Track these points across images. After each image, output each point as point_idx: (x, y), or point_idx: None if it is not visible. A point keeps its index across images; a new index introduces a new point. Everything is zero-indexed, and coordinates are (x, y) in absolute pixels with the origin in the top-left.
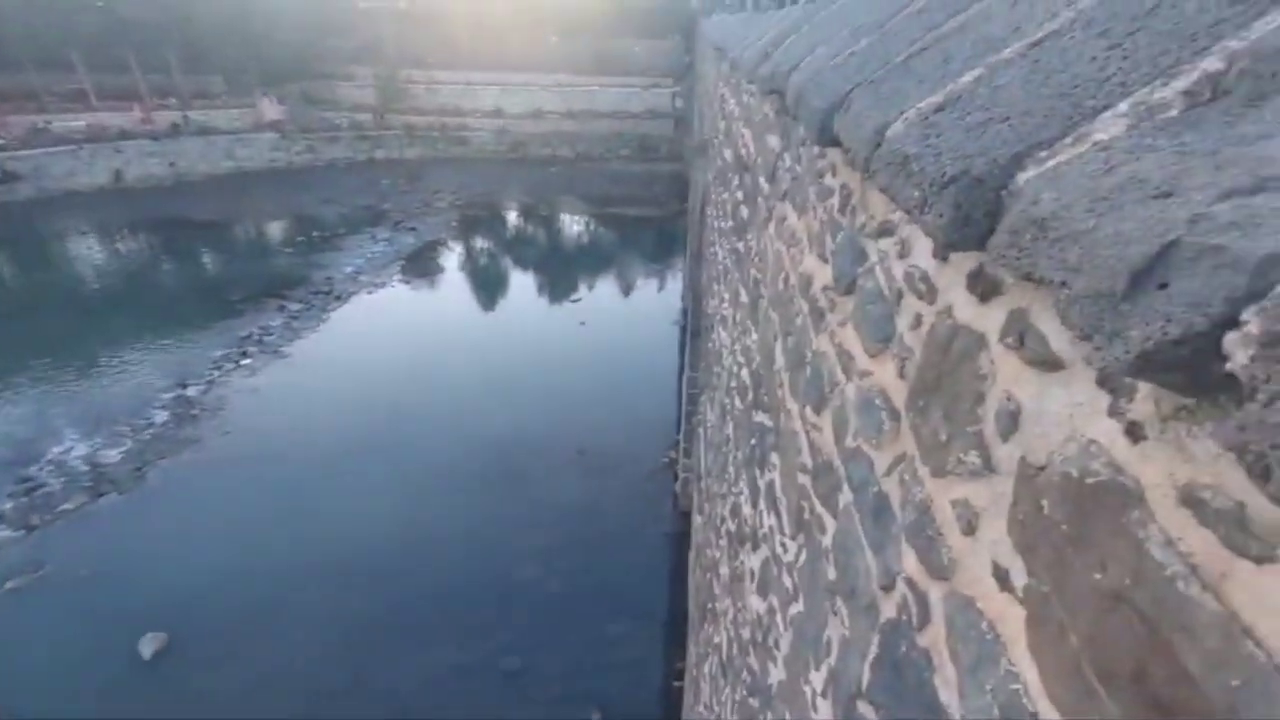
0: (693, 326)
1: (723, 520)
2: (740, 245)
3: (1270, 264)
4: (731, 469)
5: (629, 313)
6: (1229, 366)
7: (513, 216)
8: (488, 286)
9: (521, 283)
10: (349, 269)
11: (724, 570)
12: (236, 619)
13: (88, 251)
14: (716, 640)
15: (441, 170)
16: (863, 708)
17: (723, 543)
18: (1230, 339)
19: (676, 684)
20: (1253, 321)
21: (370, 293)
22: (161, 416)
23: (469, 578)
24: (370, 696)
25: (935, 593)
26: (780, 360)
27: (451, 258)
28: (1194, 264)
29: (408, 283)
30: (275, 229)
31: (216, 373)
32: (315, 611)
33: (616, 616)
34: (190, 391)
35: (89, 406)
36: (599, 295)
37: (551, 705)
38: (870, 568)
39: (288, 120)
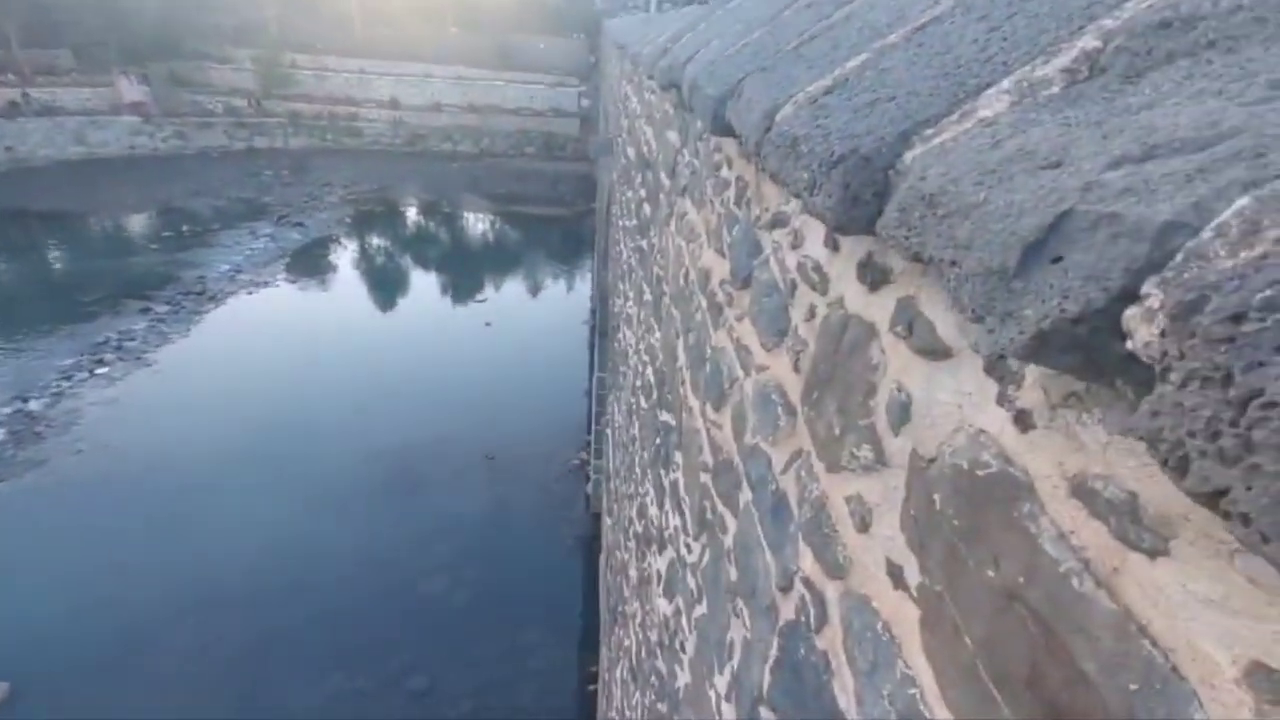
0: (601, 326)
1: (630, 522)
2: (643, 243)
3: (1170, 231)
4: (638, 469)
5: (537, 313)
6: (1129, 346)
7: (412, 213)
8: (385, 286)
9: (423, 283)
10: (225, 267)
11: (632, 572)
12: (94, 661)
13: None
14: (627, 644)
15: (331, 162)
16: (764, 713)
17: (631, 544)
18: (1130, 314)
19: (591, 688)
20: (1154, 294)
21: (251, 293)
22: None
23: (368, 596)
24: None
25: (831, 592)
26: (682, 358)
27: (344, 255)
28: (1090, 234)
29: (294, 282)
30: (137, 223)
31: (65, 384)
32: (189, 645)
33: (528, 625)
34: (33, 405)
35: None
36: (505, 296)
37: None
38: (769, 567)
39: (151, 103)
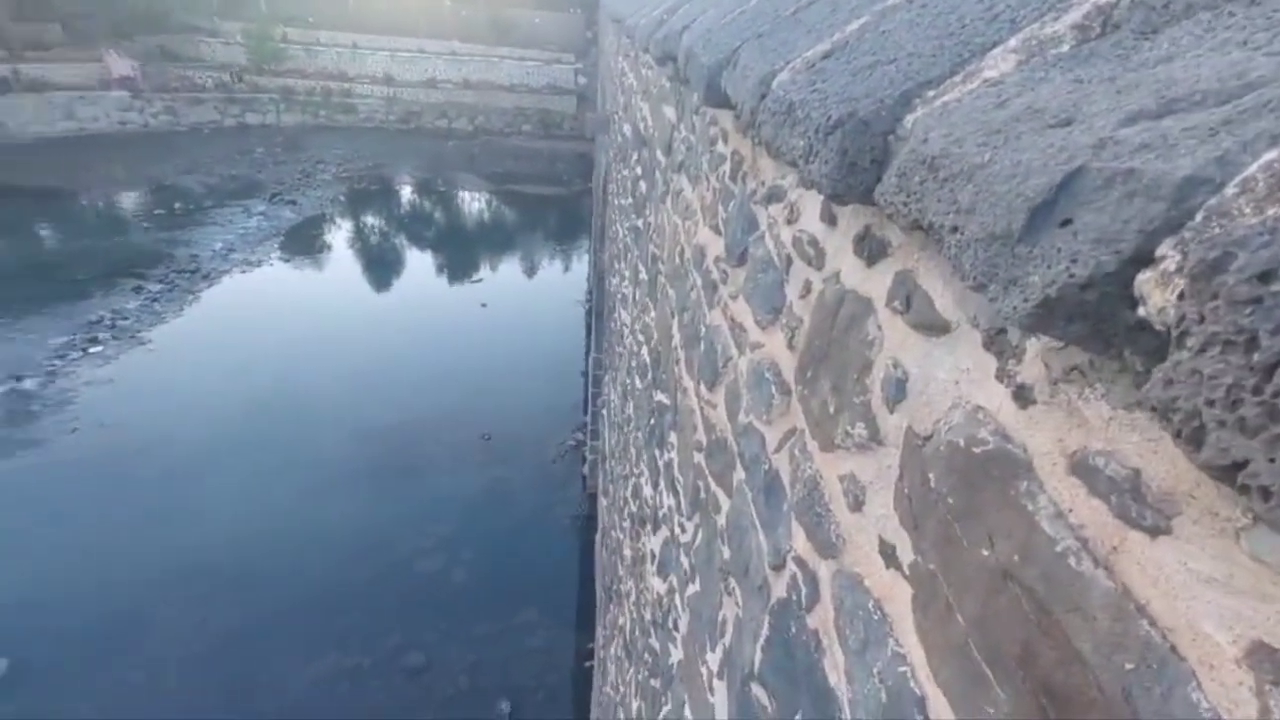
0: (597, 307)
1: (625, 502)
2: (639, 222)
3: (1191, 186)
4: (633, 450)
5: (533, 294)
6: (1141, 312)
7: (407, 192)
8: (381, 266)
9: (418, 263)
10: (219, 245)
11: (627, 552)
12: (90, 637)
13: None
14: (621, 622)
15: (325, 139)
16: (756, 690)
17: (626, 524)
18: (1143, 279)
19: (588, 664)
20: (1171, 256)
21: (245, 272)
22: None
23: (364, 575)
24: (252, 710)
25: (824, 571)
26: (677, 337)
27: (338, 234)
28: (1102, 193)
29: (288, 261)
30: (129, 200)
31: (59, 362)
32: (184, 624)
33: (524, 604)
34: (27, 384)
35: None
36: (501, 276)
37: (460, 699)
38: (762, 546)
39: (141, 78)
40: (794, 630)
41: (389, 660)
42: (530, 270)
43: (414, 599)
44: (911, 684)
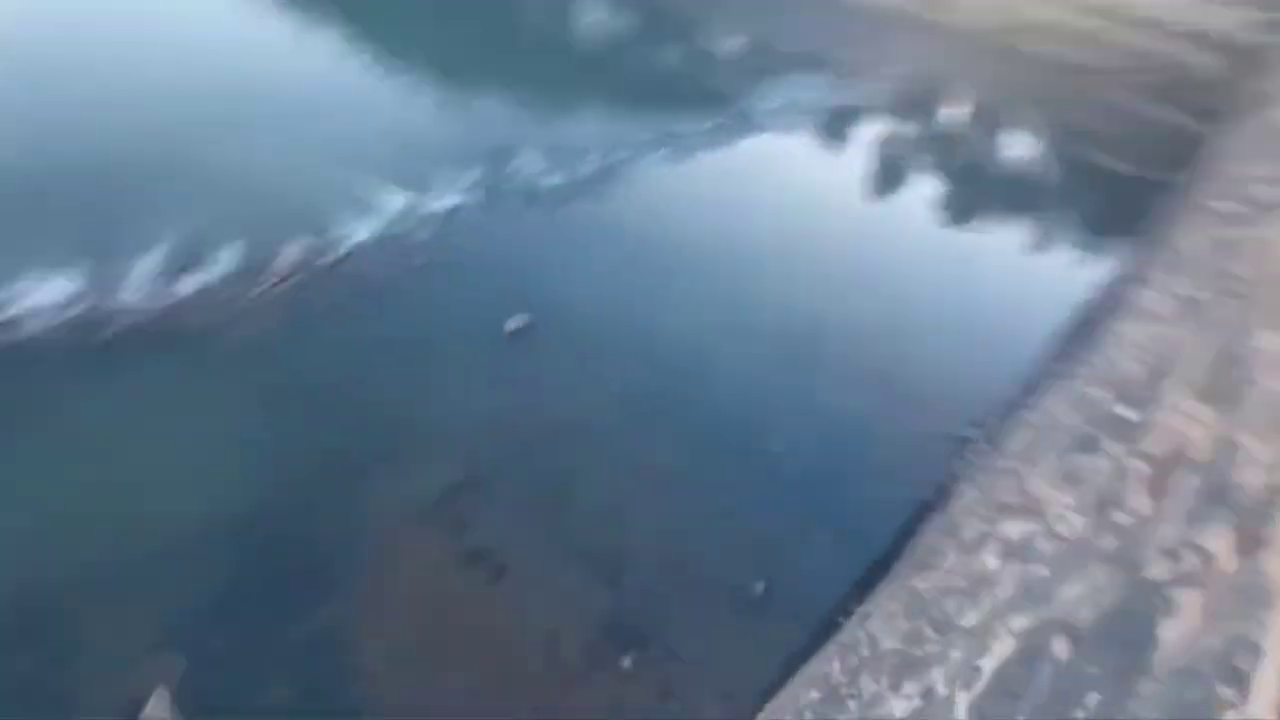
0: (1088, 311)
1: (997, 492)
2: (1234, 233)
3: None
4: (1044, 450)
5: (1019, 273)
6: None
7: (957, 112)
8: (885, 177)
9: (917, 189)
10: (770, 105)
11: (968, 534)
12: (570, 335)
13: (585, 12)
14: (918, 586)
15: (907, 37)
16: (1055, 639)
17: (985, 511)
18: None
19: (840, 619)
20: None
21: (779, 134)
22: (591, 168)
23: (733, 435)
24: (633, 469)
25: (1229, 563)
26: (1193, 356)
27: (866, 130)
28: None
29: (814, 136)
30: (734, 45)
31: (638, 150)
32: (634, 363)
33: (830, 527)
34: (611, 159)
35: (544, 139)
36: (999, 241)
37: (739, 553)
38: (1159, 537)
39: None
40: (1150, 599)
41: (714, 499)
42: (1036, 246)
43: (761, 470)
44: (1255, 639)
